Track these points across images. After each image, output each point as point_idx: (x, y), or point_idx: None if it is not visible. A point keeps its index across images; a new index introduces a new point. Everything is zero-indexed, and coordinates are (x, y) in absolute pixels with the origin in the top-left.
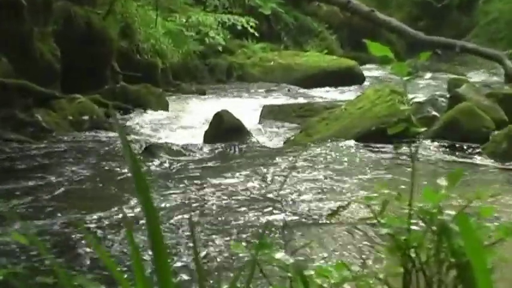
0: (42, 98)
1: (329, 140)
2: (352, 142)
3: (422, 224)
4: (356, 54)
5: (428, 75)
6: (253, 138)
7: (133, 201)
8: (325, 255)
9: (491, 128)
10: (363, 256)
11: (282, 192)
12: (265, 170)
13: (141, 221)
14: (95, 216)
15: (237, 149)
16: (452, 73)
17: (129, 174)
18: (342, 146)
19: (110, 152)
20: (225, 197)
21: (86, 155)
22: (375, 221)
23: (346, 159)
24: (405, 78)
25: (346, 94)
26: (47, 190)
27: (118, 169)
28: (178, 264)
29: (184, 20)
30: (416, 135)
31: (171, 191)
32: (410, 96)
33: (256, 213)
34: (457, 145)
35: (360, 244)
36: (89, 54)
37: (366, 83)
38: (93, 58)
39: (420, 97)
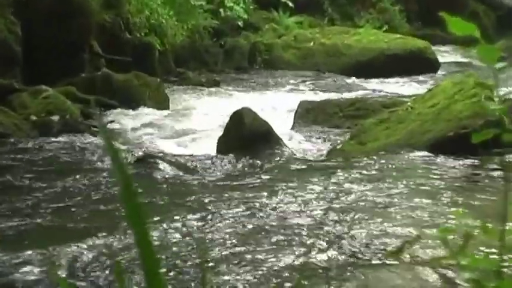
0: None
1: (390, 150)
2: (421, 152)
3: None
4: (428, 32)
5: None
6: (285, 148)
7: (121, 231)
8: None
9: None
10: None
11: (325, 221)
12: (301, 192)
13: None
14: (64, 251)
15: (262, 162)
16: None
17: (117, 194)
18: (407, 158)
19: (88, 163)
20: (247, 228)
21: (55, 168)
22: (453, 262)
23: (413, 176)
24: (496, 65)
25: (414, 87)
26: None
27: (100, 187)
28: None
29: None
30: (511, 144)
31: (173, 218)
32: (502, 90)
33: (290, 250)
34: None
35: None
36: (60, 31)
37: (441, 72)
38: (66, 36)
39: None
